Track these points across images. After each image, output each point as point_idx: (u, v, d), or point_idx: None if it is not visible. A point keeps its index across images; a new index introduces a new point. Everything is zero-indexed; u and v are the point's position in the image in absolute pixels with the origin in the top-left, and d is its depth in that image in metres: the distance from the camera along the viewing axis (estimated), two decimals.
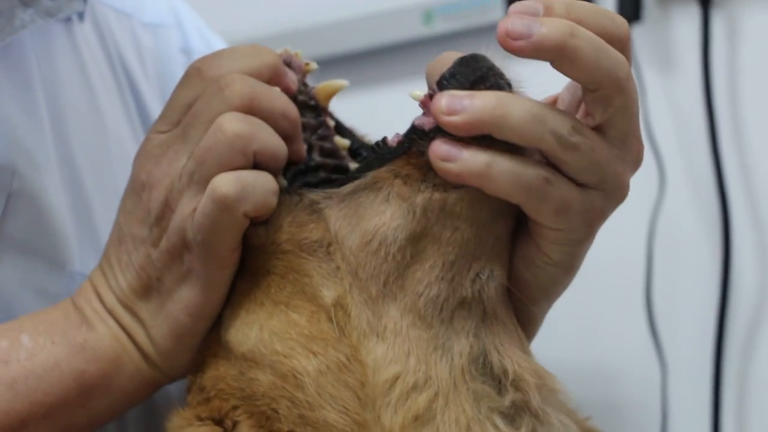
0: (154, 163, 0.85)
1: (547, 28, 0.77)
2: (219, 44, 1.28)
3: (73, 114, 1.08)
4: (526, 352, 0.88)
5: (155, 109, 1.16)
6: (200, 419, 0.85)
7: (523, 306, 0.89)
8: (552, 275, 0.87)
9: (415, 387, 0.81)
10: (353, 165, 0.92)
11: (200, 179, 0.82)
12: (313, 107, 0.91)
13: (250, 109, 0.83)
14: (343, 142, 0.92)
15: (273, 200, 0.84)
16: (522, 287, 0.88)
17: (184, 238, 0.83)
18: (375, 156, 0.86)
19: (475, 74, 0.81)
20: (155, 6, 1.23)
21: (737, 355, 1.80)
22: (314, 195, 0.85)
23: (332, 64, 2.06)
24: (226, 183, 0.81)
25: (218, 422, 0.85)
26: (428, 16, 1.97)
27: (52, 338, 0.88)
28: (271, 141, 0.84)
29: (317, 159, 0.90)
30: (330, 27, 2.07)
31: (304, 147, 0.88)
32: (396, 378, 0.81)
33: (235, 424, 0.84)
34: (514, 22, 0.77)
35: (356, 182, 0.84)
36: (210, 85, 0.84)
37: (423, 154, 0.82)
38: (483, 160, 0.79)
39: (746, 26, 1.82)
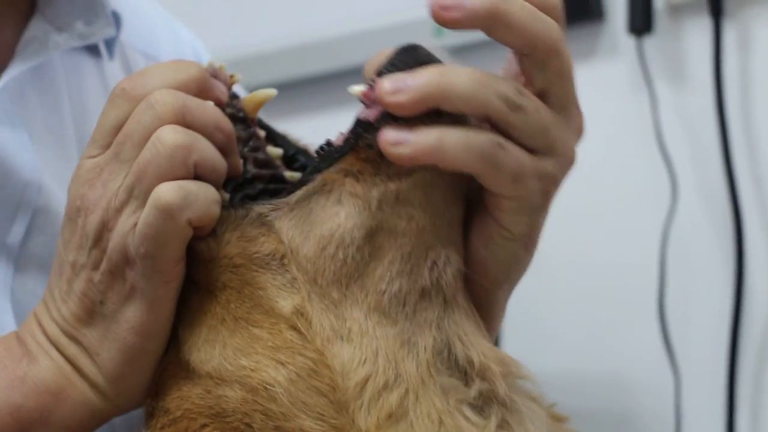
0: (87, 186, 0.84)
1: None
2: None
3: None
4: (486, 338, 0.87)
5: None
6: None
7: (485, 293, 0.89)
8: (512, 252, 0.87)
9: (386, 386, 0.81)
10: (288, 173, 0.91)
11: (140, 193, 0.82)
12: (242, 119, 0.89)
13: (183, 123, 0.82)
14: (275, 151, 0.91)
15: (216, 210, 0.83)
16: (482, 270, 0.87)
17: (126, 254, 0.82)
18: (321, 158, 0.85)
19: (415, 60, 0.81)
20: (178, 49, 1.25)
21: (751, 363, 1.80)
22: (261, 208, 0.84)
23: (344, 78, 2.07)
24: (168, 191, 0.81)
25: None
26: (439, 29, 1.98)
27: None
28: (210, 152, 0.83)
29: (252, 171, 0.89)
30: (341, 41, 2.08)
31: (241, 161, 0.88)
32: (366, 379, 0.81)
33: None
34: None
35: (305, 188, 0.83)
36: (139, 104, 0.83)
37: (372, 146, 0.82)
38: (433, 135, 0.80)
39: (758, 37, 1.83)
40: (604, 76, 1.92)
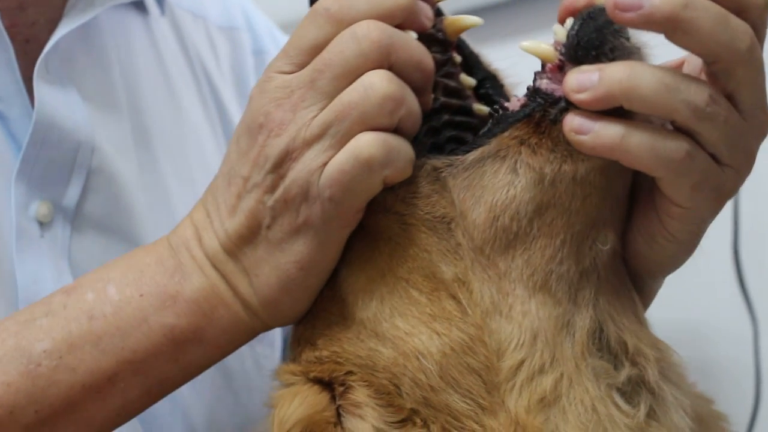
0: (274, 105, 0.81)
1: (659, 0, 0.75)
2: None
3: (150, 100, 1.09)
4: (641, 321, 0.85)
5: (233, 108, 1.16)
6: (308, 379, 0.84)
7: (638, 280, 0.87)
8: (672, 253, 0.85)
9: (542, 369, 0.79)
10: (477, 106, 0.88)
11: (337, 133, 0.80)
12: (440, 41, 0.86)
13: (387, 62, 0.80)
14: (468, 80, 0.89)
15: (410, 169, 0.82)
16: (640, 261, 0.85)
17: (307, 190, 0.81)
18: (496, 121, 0.83)
19: (599, 36, 0.79)
20: (228, 9, 1.23)
21: None
22: (436, 161, 0.83)
23: None
24: (372, 144, 0.79)
25: (327, 384, 0.83)
26: None
27: (140, 290, 0.85)
28: (416, 106, 0.82)
29: (441, 99, 0.87)
30: None
31: (432, 97, 0.86)
32: (522, 362, 0.79)
33: (347, 388, 0.82)
34: None
35: (480, 149, 0.82)
36: (344, 32, 0.80)
37: (555, 122, 0.80)
38: (616, 132, 0.78)
39: None
40: None
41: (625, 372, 0.81)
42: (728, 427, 0.88)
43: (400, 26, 0.82)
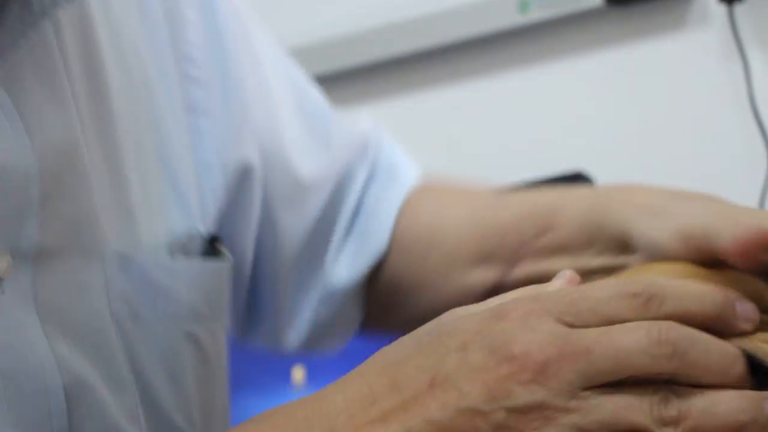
0: (539, 346, 0.74)
1: None
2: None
3: (109, 84, 0.96)
4: None
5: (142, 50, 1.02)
6: None
7: None
8: None
9: None
10: None
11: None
12: None
13: (672, 367, 0.75)
14: None
15: None
16: None
17: None
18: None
19: None
20: None
21: None
22: None
23: (427, 57, 2.05)
24: None
25: None
26: (524, 4, 1.95)
27: None
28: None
29: None
30: (423, 19, 2.06)
31: None
32: None
33: None
34: None
35: None
36: (644, 325, 0.75)
37: None
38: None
39: None
40: (695, 46, 1.90)
41: None
42: None
43: None
